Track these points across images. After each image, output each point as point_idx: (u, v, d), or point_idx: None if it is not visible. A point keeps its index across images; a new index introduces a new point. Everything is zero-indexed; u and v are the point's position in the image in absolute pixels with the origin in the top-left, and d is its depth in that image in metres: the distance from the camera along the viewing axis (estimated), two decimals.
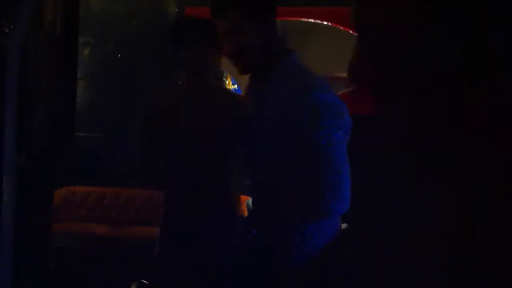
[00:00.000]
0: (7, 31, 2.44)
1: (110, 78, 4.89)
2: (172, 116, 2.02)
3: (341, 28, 4.49)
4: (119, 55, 4.90)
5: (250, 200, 1.95)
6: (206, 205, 1.94)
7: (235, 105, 1.97)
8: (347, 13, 4.39)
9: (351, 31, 4.43)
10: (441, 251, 0.99)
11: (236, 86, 4.46)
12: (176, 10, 4.80)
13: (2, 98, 2.47)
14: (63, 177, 4.36)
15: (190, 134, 1.99)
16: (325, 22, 4.53)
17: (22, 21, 2.51)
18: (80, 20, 3.59)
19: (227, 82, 4.50)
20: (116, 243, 4.36)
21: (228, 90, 3.02)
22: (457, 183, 0.98)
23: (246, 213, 2.03)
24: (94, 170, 4.70)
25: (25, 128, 2.80)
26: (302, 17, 4.51)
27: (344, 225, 1.86)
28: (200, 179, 1.97)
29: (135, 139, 2.13)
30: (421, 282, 1.03)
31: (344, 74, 4.71)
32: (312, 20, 4.54)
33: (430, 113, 1.03)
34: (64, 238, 4.24)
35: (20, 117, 2.64)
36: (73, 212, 4.66)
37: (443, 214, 1.00)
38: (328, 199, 1.70)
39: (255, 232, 1.85)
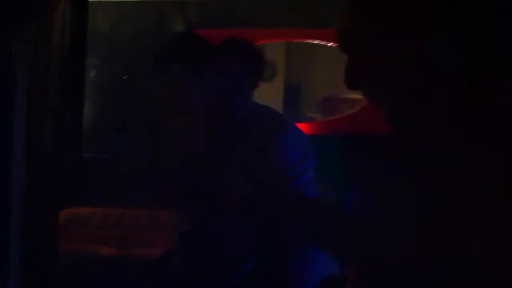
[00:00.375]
0: (14, 53, 2.47)
1: (117, 99, 4.91)
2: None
3: None
4: (124, 77, 4.94)
5: None
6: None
7: None
8: None
9: None
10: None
11: None
12: (182, 31, 4.84)
13: (11, 121, 2.49)
14: (68, 198, 4.36)
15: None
16: (330, 44, 4.57)
17: (30, 42, 2.54)
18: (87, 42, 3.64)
19: None
20: (121, 264, 4.35)
21: None
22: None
23: None
24: (99, 191, 4.70)
25: (34, 148, 2.81)
26: (306, 39, 4.55)
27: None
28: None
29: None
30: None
31: (350, 95, 4.74)
32: (317, 42, 4.57)
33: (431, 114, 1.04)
34: (69, 259, 4.23)
35: (28, 139, 2.66)
36: (77, 233, 4.66)
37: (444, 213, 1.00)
38: None
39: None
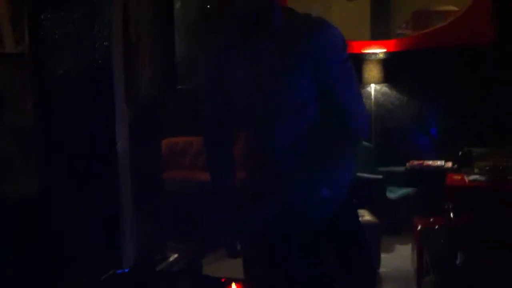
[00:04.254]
0: None
1: (202, 31, 4.97)
2: None
3: None
4: (208, 6, 4.96)
5: None
6: None
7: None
8: None
9: None
10: None
11: None
12: None
13: (109, 55, 2.61)
14: (166, 127, 4.56)
15: None
16: None
17: None
18: None
19: None
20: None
21: None
22: None
23: None
24: (194, 121, 4.86)
25: (131, 82, 2.94)
26: None
27: None
28: None
29: None
30: None
31: (441, 7, 4.54)
32: None
33: None
34: (171, 184, 4.47)
35: (126, 72, 2.79)
36: (177, 161, 4.88)
37: None
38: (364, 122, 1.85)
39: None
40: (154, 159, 3.24)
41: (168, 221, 3.69)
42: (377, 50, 4.92)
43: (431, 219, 3.38)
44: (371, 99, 4.99)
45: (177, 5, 4.97)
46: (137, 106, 3.01)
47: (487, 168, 3.81)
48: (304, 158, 1.81)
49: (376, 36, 5.03)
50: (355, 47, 4.81)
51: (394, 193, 4.56)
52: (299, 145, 1.81)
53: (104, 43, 2.61)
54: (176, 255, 3.08)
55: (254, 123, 1.86)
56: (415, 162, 4.64)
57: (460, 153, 4.03)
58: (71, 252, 2.56)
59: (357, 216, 2.02)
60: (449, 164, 4.47)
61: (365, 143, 4.58)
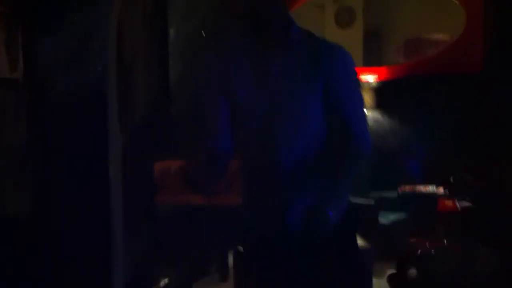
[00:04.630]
0: (102, 11, 2.58)
1: (196, 54, 5.01)
2: None
3: None
4: (202, 32, 5.00)
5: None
6: None
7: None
8: None
9: None
10: None
11: None
12: None
13: (104, 77, 2.63)
14: (158, 150, 4.56)
15: None
16: None
17: (116, 1, 2.65)
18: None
19: None
20: (212, 212, 4.52)
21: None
22: None
23: None
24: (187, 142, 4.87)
25: (125, 104, 2.95)
26: None
27: None
28: None
29: None
30: None
31: (433, 36, 4.61)
32: None
33: None
34: (163, 208, 4.45)
35: (120, 95, 2.80)
36: (170, 184, 4.87)
37: None
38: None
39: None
40: (147, 182, 3.24)
41: (159, 244, 3.67)
42: (369, 77, 4.98)
43: (427, 243, 3.39)
44: None
45: (172, 30, 5.03)
46: (130, 129, 3.02)
47: (479, 192, 3.83)
48: (307, 177, 1.80)
49: (368, 63, 5.08)
50: None
51: (386, 218, 4.56)
52: (303, 164, 1.81)
53: (98, 68, 2.63)
54: (166, 279, 3.06)
55: (259, 137, 1.83)
56: (407, 187, 4.66)
57: (451, 178, 4.06)
58: (60, 276, 2.54)
59: (355, 238, 2.02)
60: (441, 190, 4.49)
61: None
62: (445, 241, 3.42)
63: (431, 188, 4.60)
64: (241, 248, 2.05)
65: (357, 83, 1.88)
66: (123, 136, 2.84)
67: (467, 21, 4.26)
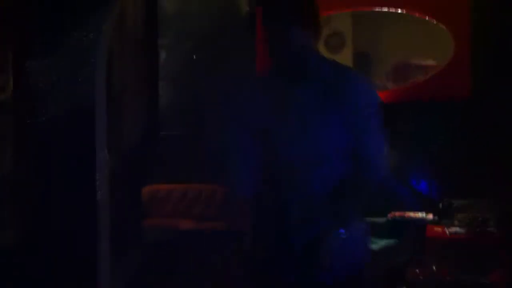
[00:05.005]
0: (93, 37, 2.58)
1: (188, 78, 5.02)
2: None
3: (417, 15, 4.41)
4: (194, 56, 5.02)
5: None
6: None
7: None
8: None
9: (427, 18, 4.34)
10: None
11: None
12: (248, 9, 4.86)
13: (93, 101, 2.62)
14: (148, 174, 4.54)
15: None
16: (399, 10, 4.47)
17: (107, 27, 2.65)
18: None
19: None
20: (200, 237, 4.50)
21: None
22: None
23: None
24: (176, 168, 4.85)
25: (113, 129, 2.94)
26: (375, 7, 4.47)
27: None
28: None
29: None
30: None
31: (422, 62, 4.64)
32: (386, 9, 4.48)
33: None
34: (151, 233, 4.42)
35: (109, 119, 2.79)
36: (158, 209, 4.83)
37: None
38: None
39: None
40: (135, 207, 3.21)
41: (148, 271, 3.63)
42: None
43: (416, 270, 3.38)
44: None
45: (163, 54, 5.04)
46: (119, 154, 3.01)
47: (468, 220, 3.83)
48: (321, 205, 1.83)
49: None
50: None
51: (375, 245, 4.55)
52: (318, 191, 1.84)
53: (88, 92, 2.62)
54: None
55: (276, 163, 1.88)
56: (397, 213, 4.65)
57: (440, 205, 4.06)
58: None
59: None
60: (430, 216, 4.48)
61: None
62: (434, 267, 3.40)
63: (420, 214, 4.61)
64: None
65: (378, 115, 1.88)
66: (111, 160, 2.83)
67: (455, 47, 4.31)
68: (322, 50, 5.33)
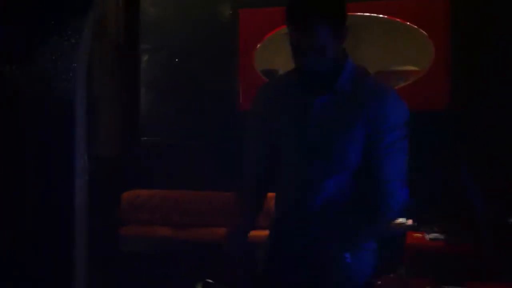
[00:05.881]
0: (73, 41, 2.55)
1: (169, 83, 4.98)
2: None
3: (399, 21, 4.43)
4: (176, 60, 4.99)
5: None
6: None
7: None
8: (406, 6, 4.35)
9: (408, 23, 4.37)
10: None
11: None
12: (230, 12, 4.85)
13: (72, 107, 2.58)
14: (127, 181, 4.49)
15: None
16: (381, 15, 4.48)
17: (87, 32, 2.62)
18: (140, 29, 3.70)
19: None
20: (178, 245, 4.45)
21: None
22: None
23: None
24: (156, 174, 4.81)
25: (93, 135, 2.91)
26: (357, 12, 4.48)
27: None
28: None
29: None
30: None
31: (405, 68, 4.66)
32: (368, 14, 4.50)
33: None
34: (129, 240, 4.36)
35: (88, 124, 2.75)
36: (136, 215, 4.77)
37: None
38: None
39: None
40: (112, 213, 3.17)
41: (125, 280, 3.58)
42: None
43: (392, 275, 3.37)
44: None
45: (144, 58, 5.01)
46: (98, 160, 2.97)
47: (446, 228, 3.86)
48: (332, 223, 1.76)
49: None
50: None
51: None
52: (330, 208, 1.76)
53: (68, 97, 2.58)
54: None
55: (292, 177, 1.81)
56: None
57: (420, 212, 4.08)
58: None
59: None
60: (410, 222, 4.50)
61: None
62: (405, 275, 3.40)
63: (401, 220, 4.62)
64: (209, 281, 2.00)
65: (402, 137, 1.73)
66: (90, 166, 2.79)
67: (435, 53, 4.33)
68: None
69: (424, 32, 4.33)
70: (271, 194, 1.96)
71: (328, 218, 1.76)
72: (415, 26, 4.34)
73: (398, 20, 4.41)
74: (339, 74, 1.75)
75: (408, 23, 4.38)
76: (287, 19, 1.70)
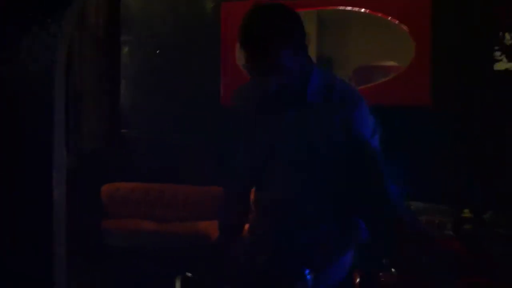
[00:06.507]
0: (53, 33, 2.52)
1: (150, 76, 4.96)
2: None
3: (381, 16, 4.44)
4: (157, 51, 4.96)
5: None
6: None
7: None
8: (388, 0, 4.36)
9: (390, 18, 4.38)
10: None
11: None
12: (213, 5, 4.83)
13: (51, 99, 2.55)
14: (107, 174, 4.46)
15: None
16: (363, 10, 4.49)
17: (67, 24, 2.58)
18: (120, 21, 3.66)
19: None
20: (161, 239, 4.43)
21: None
22: None
23: None
24: (136, 167, 4.79)
25: (73, 128, 2.87)
26: (339, 6, 4.48)
27: None
28: None
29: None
30: None
31: (384, 63, 4.68)
32: (350, 8, 4.50)
33: None
34: (110, 234, 4.33)
35: (68, 117, 2.72)
36: (118, 208, 4.74)
37: None
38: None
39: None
40: (93, 207, 3.14)
41: (107, 275, 3.55)
42: None
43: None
44: None
45: (125, 50, 4.97)
46: (78, 152, 2.94)
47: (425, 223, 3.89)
48: (320, 233, 1.76)
49: None
50: None
51: None
52: (311, 220, 1.75)
53: (46, 90, 2.55)
54: None
55: (274, 190, 1.79)
56: None
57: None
58: None
59: None
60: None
61: None
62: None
63: None
64: (189, 274, 2.00)
65: (377, 132, 1.74)
66: (69, 159, 2.76)
67: (416, 50, 4.35)
68: None
69: (405, 27, 4.35)
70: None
71: (308, 230, 1.75)
72: (397, 21, 4.36)
73: (379, 14, 4.43)
74: (306, 85, 1.71)
75: (389, 18, 4.40)
76: (240, 44, 1.64)
